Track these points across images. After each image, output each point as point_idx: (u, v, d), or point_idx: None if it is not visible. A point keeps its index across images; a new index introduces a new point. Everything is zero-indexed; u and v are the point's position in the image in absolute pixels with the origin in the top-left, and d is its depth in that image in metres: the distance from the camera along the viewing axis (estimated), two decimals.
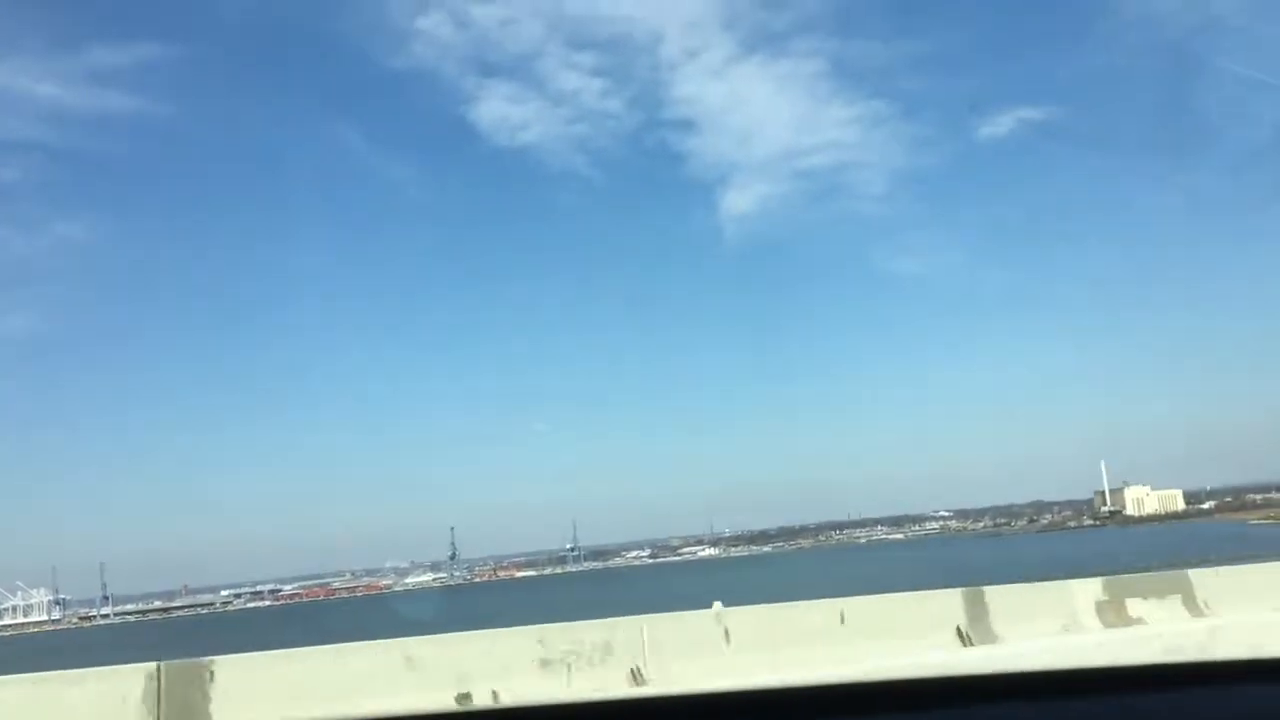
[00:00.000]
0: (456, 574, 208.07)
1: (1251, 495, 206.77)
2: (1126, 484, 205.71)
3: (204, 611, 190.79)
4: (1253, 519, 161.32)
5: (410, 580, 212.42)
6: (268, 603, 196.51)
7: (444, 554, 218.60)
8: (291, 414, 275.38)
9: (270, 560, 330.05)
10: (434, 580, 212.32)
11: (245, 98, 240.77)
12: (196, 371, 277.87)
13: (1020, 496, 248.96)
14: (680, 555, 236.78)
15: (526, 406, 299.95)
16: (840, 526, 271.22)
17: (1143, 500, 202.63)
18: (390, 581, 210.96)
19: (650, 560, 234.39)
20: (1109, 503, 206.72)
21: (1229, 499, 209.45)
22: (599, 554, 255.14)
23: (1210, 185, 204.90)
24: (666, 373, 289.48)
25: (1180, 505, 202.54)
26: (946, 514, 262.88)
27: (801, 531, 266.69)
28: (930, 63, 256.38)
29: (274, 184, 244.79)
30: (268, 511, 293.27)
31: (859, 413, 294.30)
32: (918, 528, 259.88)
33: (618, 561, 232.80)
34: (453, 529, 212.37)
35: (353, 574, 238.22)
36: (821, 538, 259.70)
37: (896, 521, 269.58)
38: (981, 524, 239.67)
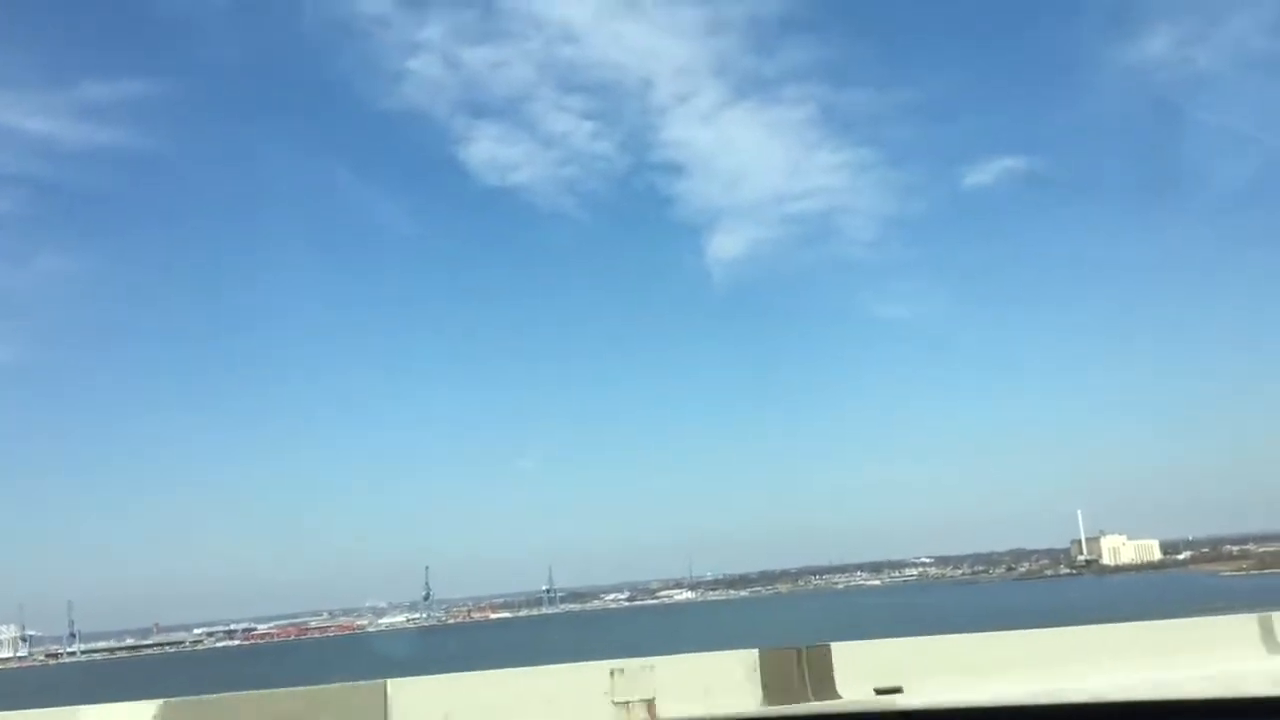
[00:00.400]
0: (430, 615, 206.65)
1: (1229, 546, 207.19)
2: (1103, 533, 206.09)
3: (172, 650, 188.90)
4: (1224, 570, 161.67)
5: (384, 621, 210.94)
6: (237, 642, 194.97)
7: (437, 593, 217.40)
8: (272, 451, 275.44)
9: (247, 599, 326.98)
10: (408, 621, 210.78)
11: (236, 135, 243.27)
12: (178, 406, 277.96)
13: (1001, 544, 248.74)
14: (658, 598, 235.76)
15: (512, 446, 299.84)
16: (820, 571, 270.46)
17: (1119, 550, 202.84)
18: (365, 621, 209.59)
19: (627, 603, 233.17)
20: (1085, 551, 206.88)
21: (1206, 550, 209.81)
22: (577, 596, 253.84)
23: (1190, 234, 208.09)
24: (653, 414, 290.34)
25: (1157, 555, 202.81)
26: (928, 560, 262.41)
27: (781, 576, 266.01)
28: (918, 111, 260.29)
29: (263, 221, 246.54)
30: (246, 549, 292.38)
31: (844, 457, 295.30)
32: (897, 574, 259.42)
33: (595, 604, 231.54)
34: (427, 569, 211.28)
35: (330, 613, 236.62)
36: (800, 582, 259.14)
37: (876, 567, 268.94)
38: (960, 571, 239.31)
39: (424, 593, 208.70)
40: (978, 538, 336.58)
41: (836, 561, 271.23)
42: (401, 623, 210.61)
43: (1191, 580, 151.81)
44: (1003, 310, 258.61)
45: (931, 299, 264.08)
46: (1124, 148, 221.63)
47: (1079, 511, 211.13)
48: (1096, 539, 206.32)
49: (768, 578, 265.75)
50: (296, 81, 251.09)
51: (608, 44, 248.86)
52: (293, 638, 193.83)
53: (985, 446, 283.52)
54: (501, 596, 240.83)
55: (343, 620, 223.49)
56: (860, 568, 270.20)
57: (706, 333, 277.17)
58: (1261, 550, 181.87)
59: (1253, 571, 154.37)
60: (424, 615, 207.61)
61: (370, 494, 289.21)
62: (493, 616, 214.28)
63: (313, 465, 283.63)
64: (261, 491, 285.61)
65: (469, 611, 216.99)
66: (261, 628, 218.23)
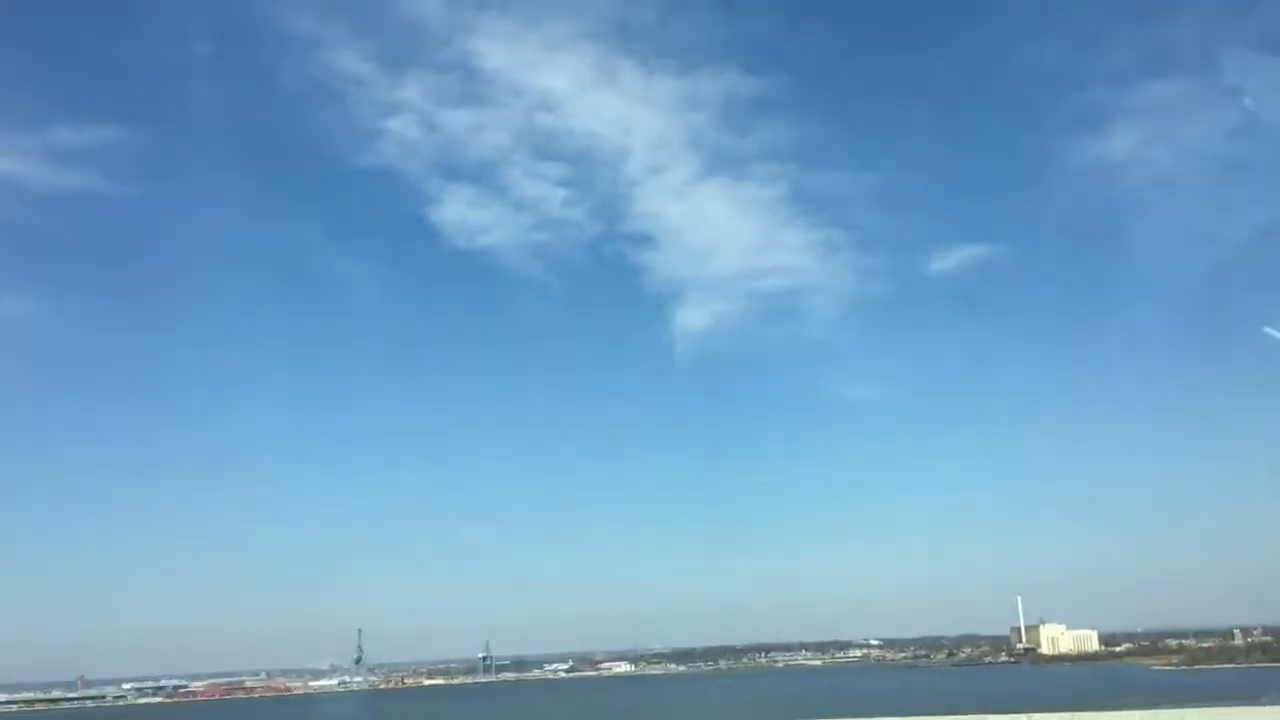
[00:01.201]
0: (359, 679, 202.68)
1: (1170, 640, 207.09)
2: (1043, 621, 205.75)
3: (92, 704, 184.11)
4: (1155, 664, 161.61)
5: (316, 684, 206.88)
6: (158, 699, 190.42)
7: (370, 657, 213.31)
8: (219, 510, 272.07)
9: (179, 655, 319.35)
10: (340, 685, 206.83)
11: (205, 185, 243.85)
12: (120, 458, 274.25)
13: (950, 628, 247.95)
14: (598, 670, 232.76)
15: (464, 516, 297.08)
16: (766, 649, 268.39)
17: (1057, 639, 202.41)
18: (299, 684, 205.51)
19: (565, 674, 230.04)
20: (1024, 640, 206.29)
21: (1145, 643, 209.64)
22: (520, 664, 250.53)
23: (1140, 329, 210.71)
24: (611, 485, 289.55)
25: (1094, 646, 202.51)
26: (876, 643, 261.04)
27: (727, 652, 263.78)
28: (886, 196, 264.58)
29: (225, 272, 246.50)
30: (179, 604, 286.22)
31: (799, 535, 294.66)
32: (842, 655, 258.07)
33: (536, 674, 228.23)
34: (360, 631, 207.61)
35: (268, 673, 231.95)
36: (745, 660, 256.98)
37: (822, 646, 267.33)
38: (903, 654, 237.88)
39: (356, 655, 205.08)
40: (925, 621, 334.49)
41: (783, 640, 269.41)
42: (333, 686, 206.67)
43: (1123, 673, 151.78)
44: (960, 397, 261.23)
45: (892, 382, 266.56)
46: (1083, 240, 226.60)
47: (1019, 599, 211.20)
48: (1036, 627, 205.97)
49: (714, 653, 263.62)
50: (270, 135, 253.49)
51: (585, 114, 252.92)
52: (217, 697, 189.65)
53: (938, 531, 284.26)
54: (440, 663, 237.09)
55: (277, 680, 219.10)
56: (806, 646, 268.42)
57: (668, 406, 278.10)
58: (1195, 646, 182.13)
59: (1182, 667, 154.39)
60: (356, 679, 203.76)
61: (310, 557, 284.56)
62: (426, 683, 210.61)
63: (256, 527, 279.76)
64: (201, 548, 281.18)
65: (402, 678, 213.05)
66: (194, 685, 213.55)
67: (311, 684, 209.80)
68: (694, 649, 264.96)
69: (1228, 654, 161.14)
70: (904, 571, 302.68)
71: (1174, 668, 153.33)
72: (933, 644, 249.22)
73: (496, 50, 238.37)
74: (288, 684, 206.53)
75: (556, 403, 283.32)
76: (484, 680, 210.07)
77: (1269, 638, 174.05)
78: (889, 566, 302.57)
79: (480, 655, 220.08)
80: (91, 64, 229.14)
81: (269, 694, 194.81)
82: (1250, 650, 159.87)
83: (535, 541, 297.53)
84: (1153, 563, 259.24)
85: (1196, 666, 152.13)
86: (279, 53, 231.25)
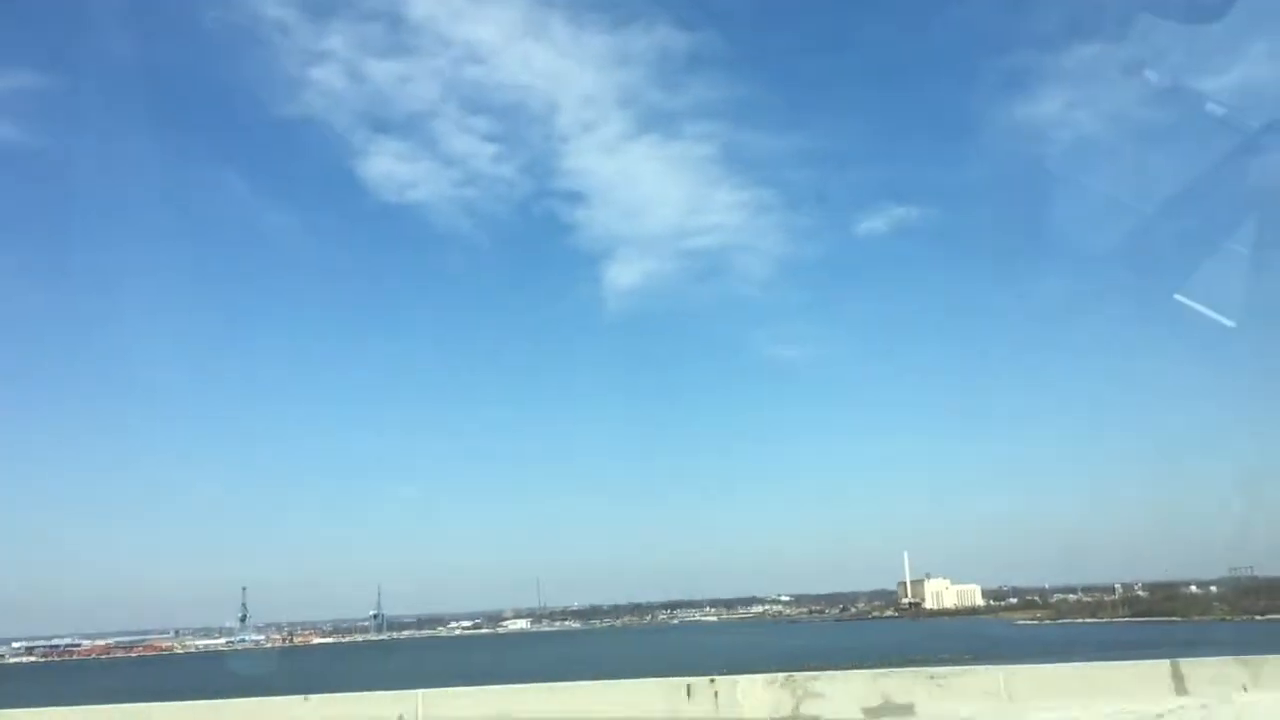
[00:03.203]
0: (246, 639, 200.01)
1: (1062, 596, 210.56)
2: (929, 576, 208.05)
3: None
4: (1020, 618, 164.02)
5: (201, 644, 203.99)
6: (31, 659, 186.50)
7: (263, 616, 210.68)
8: (120, 463, 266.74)
9: (86, 616, 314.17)
10: (225, 644, 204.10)
11: (123, 134, 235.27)
12: (23, 406, 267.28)
13: (860, 584, 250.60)
14: (495, 629, 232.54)
15: (386, 471, 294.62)
16: (674, 605, 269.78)
17: (941, 594, 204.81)
18: (171, 643, 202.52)
19: (461, 632, 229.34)
20: (910, 594, 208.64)
21: (1035, 597, 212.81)
22: (426, 622, 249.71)
23: (1052, 294, 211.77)
24: (539, 441, 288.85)
25: (979, 600, 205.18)
26: (787, 598, 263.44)
27: (633, 609, 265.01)
28: (816, 157, 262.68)
29: (144, 222, 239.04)
30: (62, 563, 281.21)
31: (719, 493, 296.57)
32: (745, 610, 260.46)
33: (428, 632, 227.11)
34: (244, 590, 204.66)
35: (178, 632, 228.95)
36: (648, 617, 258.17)
37: (730, 604, 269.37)
38: (801, 610, 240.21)
39: (240, 614, 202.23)
40: (837, 577, 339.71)
41: (694, 596, 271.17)
42: (220, 645, 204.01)
43: (987, 626, 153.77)
44: (885, 355, 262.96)
45: (822, 343, 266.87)
46: (1008, 203, 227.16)
47: (905, 555, 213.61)
48: (921, 582, 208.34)
49: (622, 610, 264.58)
50: (191, 83, 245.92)
51: (515, 67, 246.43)
52: (93, 656, 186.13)
53: (853, 488, 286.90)
54: (340, 621, 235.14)
55: (187, 640, 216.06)
56: (714, 603, 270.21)
57: (597, 362, 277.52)
58: (1061, 601, 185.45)
59: (1046, 621, 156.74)
60: (243, 639, 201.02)
61: (222, 516, 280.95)
62: (315, 641, 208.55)
63: (154, 480, 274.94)
64: (92, 504, 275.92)
65: (288, 636, 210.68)
66: (84, 644, 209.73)
67: (198, 643, 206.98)
68: (602, 606, 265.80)
69: (1091, 609, 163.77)
70: (817, 528, 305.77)
71: (1037, 622, 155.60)
72: (845, 599, 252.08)
73: None
74: (169, 643, 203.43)
75: (481, 359, 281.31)
76: (374, 638, 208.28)
77: (1145, 593, 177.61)
78: (803, 524, 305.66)
79: (371, 614, 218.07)
80: (2, 7, 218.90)
81: (150, 653, 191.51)
82: (1116, 605, 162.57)
83: (459, 500, 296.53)
84: (1049, 520, 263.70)
85: (1060, 620, 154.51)
86: None
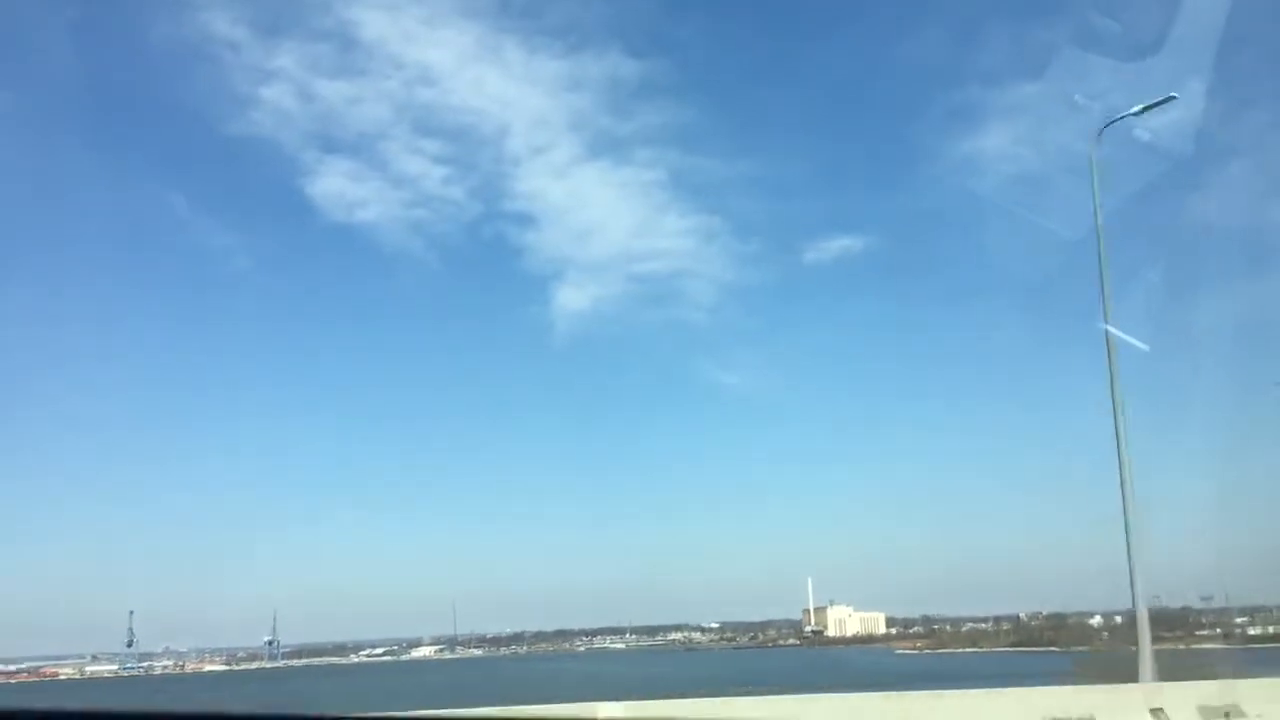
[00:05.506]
0: (133, 666, 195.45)
1: (975, 625, 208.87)
2: (832, 603, 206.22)
3: None
4: (900, 648, 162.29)
5: (90, 670, 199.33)
6: None
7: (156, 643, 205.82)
8: (45, 490, 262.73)
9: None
10: (121, 670, 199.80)
11: (65, 151, 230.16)
12: None
13: (786, 612, 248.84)
14: (396, 656, 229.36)
15: (341, 494, 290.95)
16: (595, 633, 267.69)
17: (844, 621, 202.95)
18: (54, 669, 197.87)
19: (367, 659, 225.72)
20: (813, 621, 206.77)
21: (945, 626, 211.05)
22: (339, 649, 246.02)
23: (986, 324, 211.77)
24: (477, 464, 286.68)
25: (882, 629, 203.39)
26: (715, 625, 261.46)
27: (556, 635, 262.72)
28: (764, 185, 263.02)
29: (85, 240, 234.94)
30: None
31: (657, 518, 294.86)
32: (662, 637, 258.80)
33: (327, 660, 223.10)
34: (131, 614, 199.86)
35: (94, 657, 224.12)
36: (565, 644, 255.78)
37: (653, 631, 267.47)
38: (712, 638, 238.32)
39: (127, 639, 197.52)
40: (771, 605, 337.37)
41: (618, 623, 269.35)
42: (116, 670, 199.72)
43: (862, 656, 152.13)
44: (819, 387, 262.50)
45: (759, 370, 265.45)
46: (948, 237, 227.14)
47: (809, 580, 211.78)
48: (824, 609, 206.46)
49: (543, 637, 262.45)
50: (135, 99, 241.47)
51: (466, 90, 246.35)
52: None
53: (780, 516, 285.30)
54: (239, 650, 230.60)
55: (89, 665, 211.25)
56: (636, 630, 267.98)
57: (542, 385, 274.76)
58: (944, 630, 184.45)
59: (925, 650, 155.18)
60: (129, 666, 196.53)
61: (144, 546, 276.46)
62: (206, 669, 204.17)
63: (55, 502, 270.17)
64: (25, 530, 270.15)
65: (179, 663, 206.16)
66: None
67: (89, 669, 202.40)
68: (526, 632, 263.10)
69: (972, 638, 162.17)
70: (745, 555, 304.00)
71: (917, 651, 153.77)
72: (765, 627, 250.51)
73: (376, 20, 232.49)
74: (53, 669, 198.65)
75: (425, 380, 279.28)
76: (268, 665, 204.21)
77: (1034, 623, 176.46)
78: (733, 550, 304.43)
79: (265, 640, 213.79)
80: None
81: (32, 679, 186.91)
82: (997, 635, 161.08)
83: (389, 523, 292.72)
84: (967, 551, 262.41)
85: (940, 650, 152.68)
86: (147, 12, 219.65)
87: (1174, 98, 22.31)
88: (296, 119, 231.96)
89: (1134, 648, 20.79)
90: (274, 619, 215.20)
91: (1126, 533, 20.42)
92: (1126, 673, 20.62)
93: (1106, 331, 21.27)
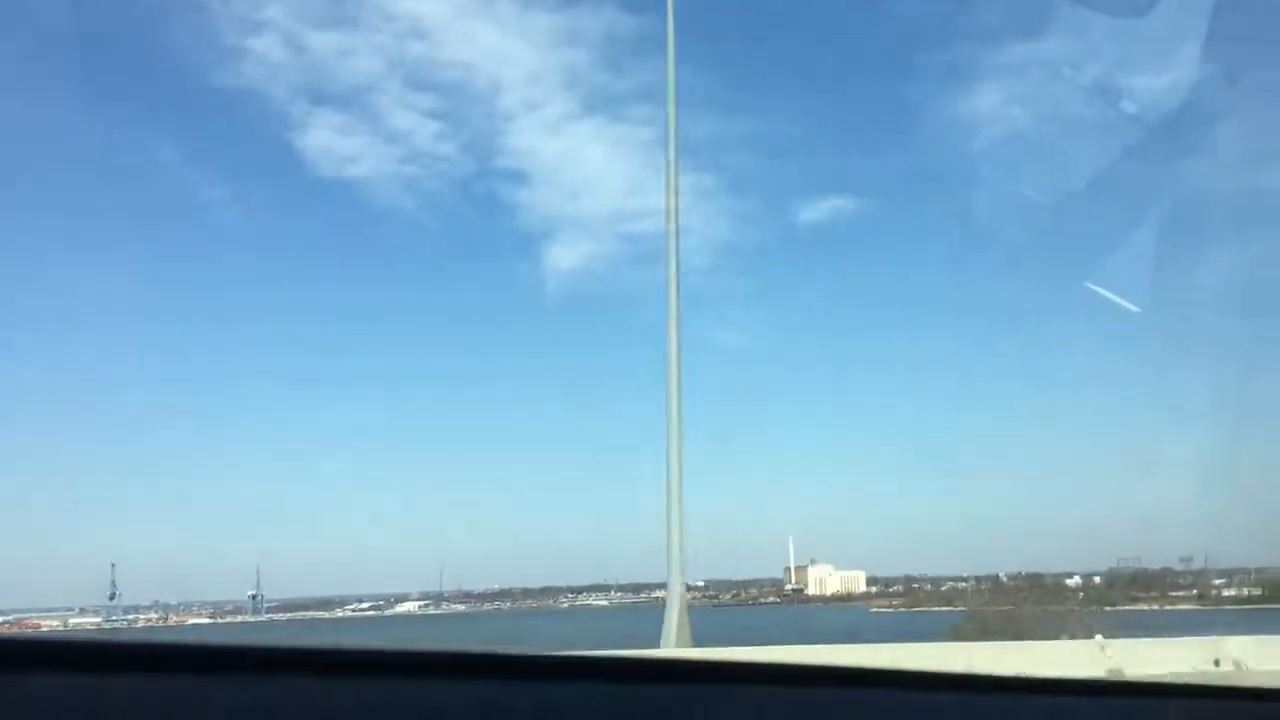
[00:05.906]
0: (116, 618, 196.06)
1: (954, 584, 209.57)
2: (813, 561, 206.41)
3: None
4: (876, 606, 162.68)
5: (74, 622, 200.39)
6: None
7: (142, 596, 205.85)
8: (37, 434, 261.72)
9: None
10: (104, 623, 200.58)
11: (53, 101, 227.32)
12: None
13: (771, 570, 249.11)
14: (381, 611, 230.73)
15: (318, 446, 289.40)
16: (581, 590, 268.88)
17: (825, 580, 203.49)
18: (56, 621, 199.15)
19: (353, 614, 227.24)
20: (794, 580, 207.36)
21: (927, 585, 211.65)
22: (327, 603, 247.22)
23: (979, 284, 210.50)
24: (471, 422, 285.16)
25: (862, 588, 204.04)
26: (701, 583, 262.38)
27: (542, 593, 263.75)
28: (759, 143, 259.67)
29: (77, 191, 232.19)
30: None
31: (648, 477, 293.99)
32: (646, 594, 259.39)
33: (311, 614, 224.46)
34: (113, 566, 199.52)
35: (82, 610, 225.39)
36: (550, 601, 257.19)
37: (638, 589, 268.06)
38: (693, 595, 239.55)
39: (109, 592, 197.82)
40: (749, 564, 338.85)
41: (604, 581, 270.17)
42: (99, 622, 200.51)
43: (836, 613, 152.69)
44: (815, 346, 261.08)
45: (756, 328, 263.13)
46: (939, 196, 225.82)
47: (790, 538, 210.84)
48: (805, 568, 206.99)
49: (529, 594, 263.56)
50: (124, 48, 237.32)
51: (458, 44, 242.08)
52: None
53: (773, 474, 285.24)
54: (208, 603, 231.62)
55: (73, 619, 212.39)
56: (622, 588, 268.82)
57: (533, 343, 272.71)
58: (931, 590, 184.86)
59: (901, 609, 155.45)
60: (111, 619, 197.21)
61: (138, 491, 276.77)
62: (190, 622, 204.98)
63: (68, 459, 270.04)
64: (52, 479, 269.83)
65: (165, 616, 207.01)
66: None
67: (73, 621, 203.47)
68: (514, 589, 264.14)
69: (948, 597, 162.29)
70: (731, 513, 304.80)
71: (893, 609, 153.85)
72: (750, 585, 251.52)
73: None
74: (35, 621, 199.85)
75: (415, 338, 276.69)
76: (251, 619, 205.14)
77: (1011, 583, 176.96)
78: (720, 508, 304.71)
79: (249, 594, 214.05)
80: None
81: (14, 631, 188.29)
82: (970, 594, 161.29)
83: (379, 479, 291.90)
84: (954, 512, 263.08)
85: (914, 609, 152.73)
86: None
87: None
88: (286, 71, 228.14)
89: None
90: (257, 573, 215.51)
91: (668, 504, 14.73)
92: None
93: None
